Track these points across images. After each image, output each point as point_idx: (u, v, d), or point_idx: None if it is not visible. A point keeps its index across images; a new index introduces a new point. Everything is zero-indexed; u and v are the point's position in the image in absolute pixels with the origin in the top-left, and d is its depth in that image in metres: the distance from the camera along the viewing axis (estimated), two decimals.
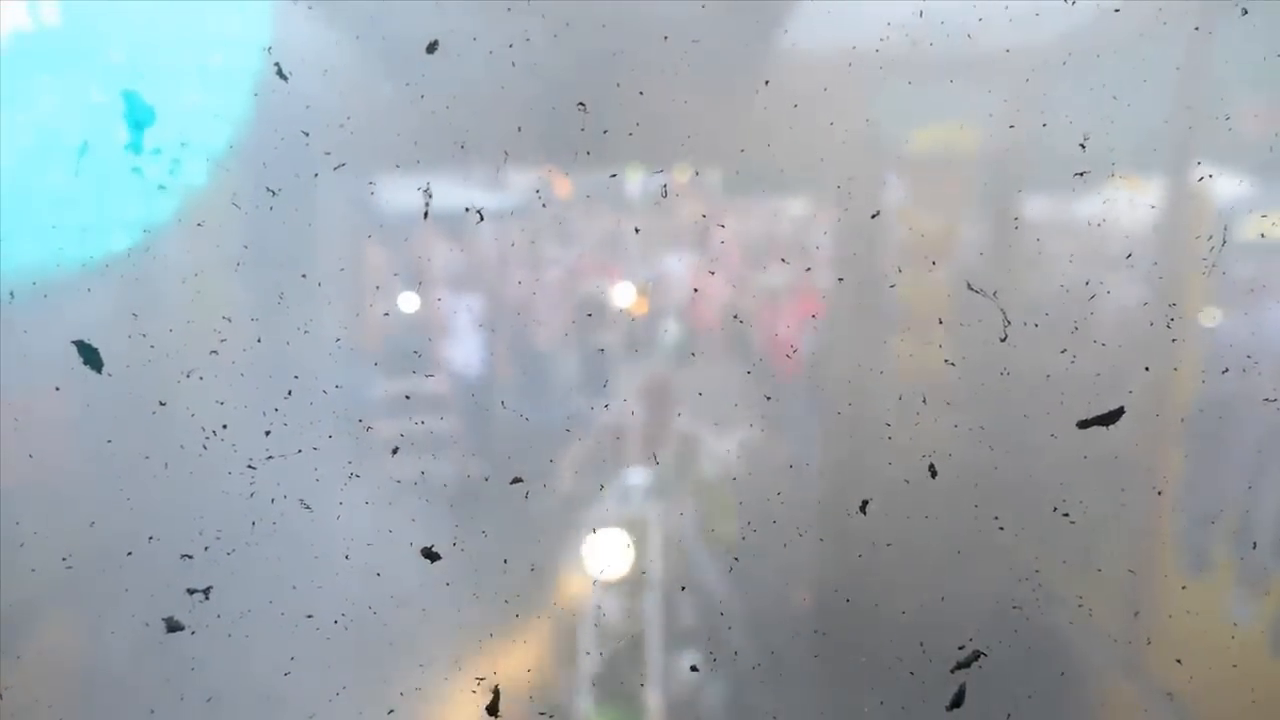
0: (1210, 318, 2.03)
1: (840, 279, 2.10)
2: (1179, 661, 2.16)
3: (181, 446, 2.02)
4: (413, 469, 2.04)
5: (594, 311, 2.23)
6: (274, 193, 1.96)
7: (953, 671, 2.16)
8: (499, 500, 2.04)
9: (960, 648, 2.15)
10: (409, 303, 2.03)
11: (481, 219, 2.04)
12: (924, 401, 2.03)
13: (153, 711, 2.16)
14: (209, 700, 2.16)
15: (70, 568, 2.09)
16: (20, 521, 2.04)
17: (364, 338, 2.00)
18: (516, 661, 2.13)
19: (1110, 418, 2.07)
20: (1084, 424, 2.06)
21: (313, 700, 2.13)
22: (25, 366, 1.98)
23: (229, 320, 1.99)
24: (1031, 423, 2.02)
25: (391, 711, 2.17)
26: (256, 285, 1.98)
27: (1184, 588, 2.13)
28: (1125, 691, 2.15)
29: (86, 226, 1.96)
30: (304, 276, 1.97)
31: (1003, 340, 2.00)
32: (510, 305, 2.16)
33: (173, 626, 2.20)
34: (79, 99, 1.94)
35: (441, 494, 2.04)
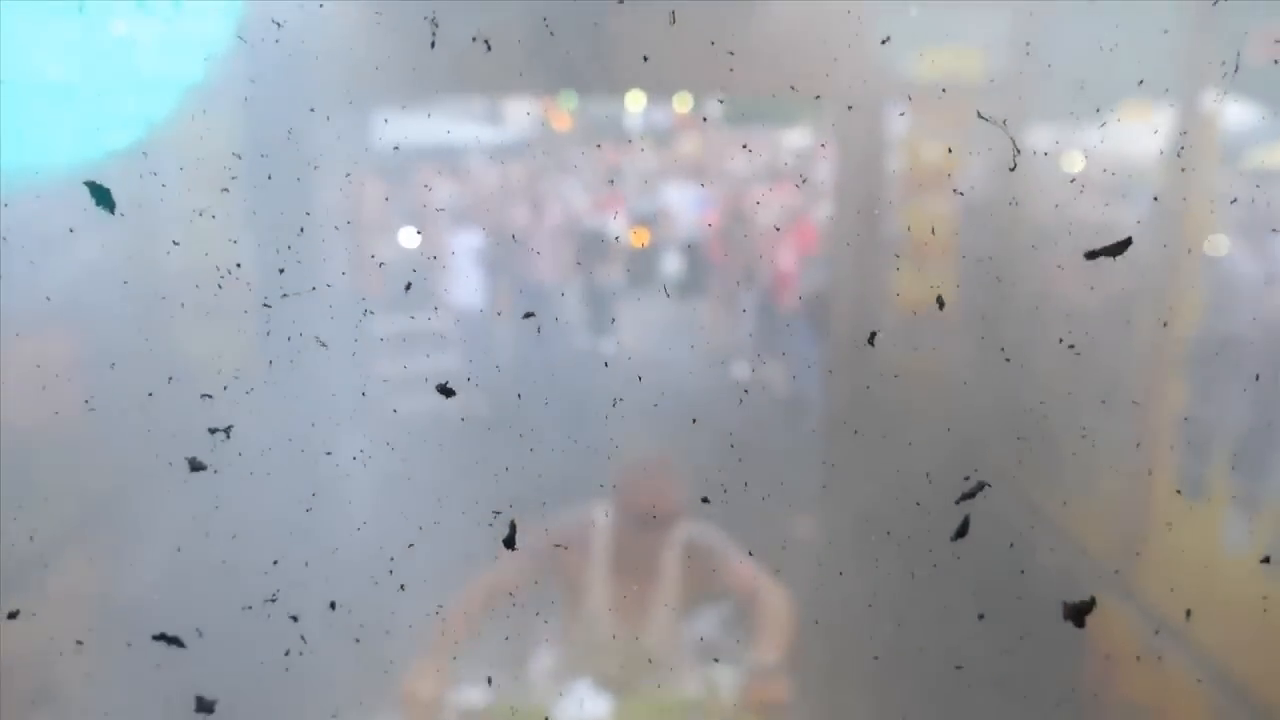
0: (1221, 146, 2.02)
1: (850, 107, 2.09)
2: (1178, 491, 2.21)
3: (197, 286, 2.04)
4: (426, 305, 2.06)
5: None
6: (279, 24, 1.94)
7: (958, 503, 2.21)
8: (513, 334, 2.06)
9: (966, 479, 2.20)
10: (420, 136, 2.03)
11: (489, 47, 2.02)
12: (932, 232, 2.04)
13: (179, 549, 2.22)
14: (234, 537, 2.22)
15: (93, 410, 2.13)
16: (41, 364, 2.08)
17: (375, 173, 2.01)
18: (532, 495, 2.19)
19: (1118, 248, 2.07)
20: (1091, 255, 2.07)
21: (334, 535, 2.19)
22: (39, 207, 1.99)
23: (239, 157, 1.99)
24: (1039, 254, 2.03)
25: (411, 545, 2.23)
26: (265, 121, 1.98)
27: (1186, 419, 2.17)
28: (1125, 517, 2.21)
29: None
30: (312, 110, 1.97)
31: (1011, 170, 1.99)
32: (515, 137, 2.15)
33: (195, 466, 2.24)
34: None
35: (455, 329, 2.07)
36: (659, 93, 1.96)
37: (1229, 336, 2.21)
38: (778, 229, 2.49)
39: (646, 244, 3.99)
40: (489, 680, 2.11)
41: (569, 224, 2.72)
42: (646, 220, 3.48)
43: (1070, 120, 1.98)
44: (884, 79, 2.01)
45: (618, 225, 2.63)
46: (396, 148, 2.00)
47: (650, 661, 2.13)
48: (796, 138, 2.35)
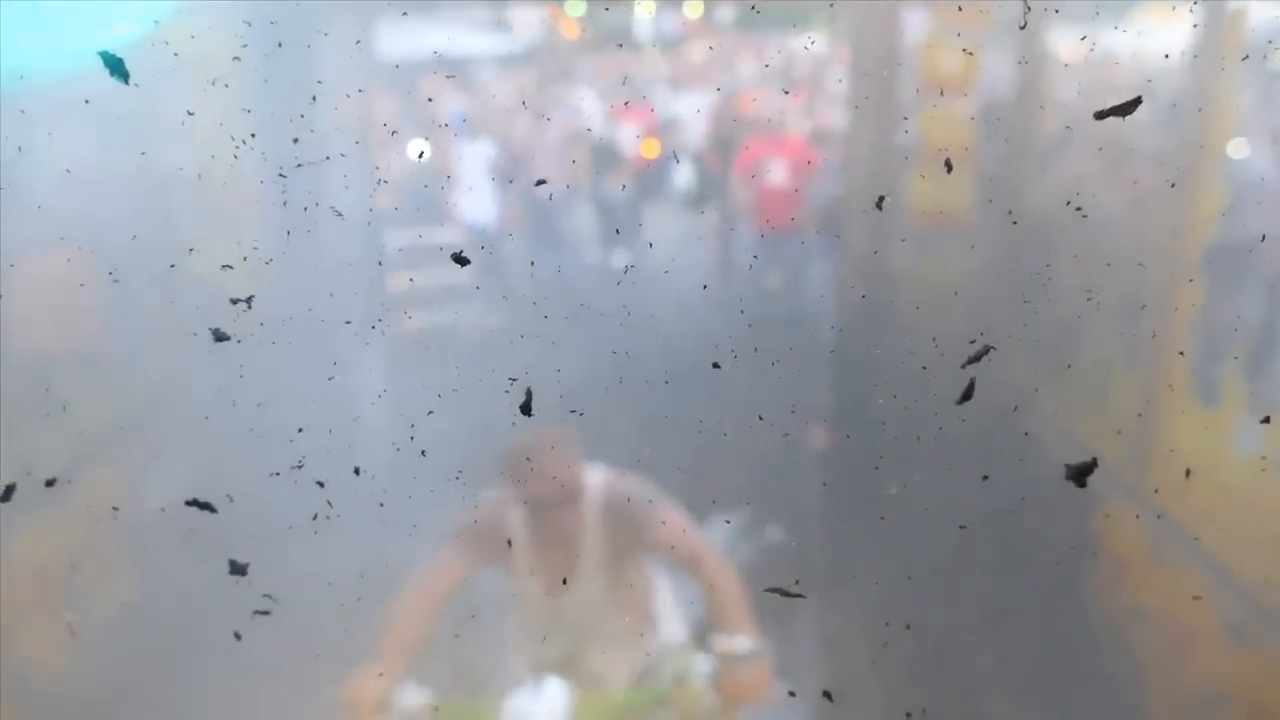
0: (1245, 48, 1.99)
1: None
2: (1181, 353, 2.24)
3: (213, 156, 2.06)
4: (439, 174, 2.09)
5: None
6: None
7: (963, 366, 2.25)
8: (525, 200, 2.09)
9: (971, 342, 2.23)
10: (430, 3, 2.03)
11: None
12: (940, 94, 2.04)
13: (207, 418, 2.29)
14: (259, 406, 2.29)
15: (116, 281, 2.17)
16: (65, 237, 2.12)
17: (386, 42, 2.01)
18: (547, 362, 2.24)
19: (1127, 108, 2.07)
20: (1100, 115, 2.07)
21: (356, 403, 2.25)
22: (55, 79, 2.01)
23: (249, 24, 1.99)
24: (1048, 113, 2.03)
25: (431, 412, 2.29)
26: None
27: (1191, 280, 2.19)
28: (1128, 380, 2.25)
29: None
30: None
31: (1022, 28, 1.98)
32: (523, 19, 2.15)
33: (219, 336, 2.29)
34: None
35: (470, 198, 2.09)
36: None
37: (1237, 189, 2.20)
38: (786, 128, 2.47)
39: (656, 155, 3.96)
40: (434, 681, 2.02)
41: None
42: (657, 131, 3.46)
43: (1092, 18, 1.96)
44: None
45: (628, 135, 2.61)
46: (405, 13, 2.01)
47: (590, 638, 2.02)
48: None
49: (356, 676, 1.80)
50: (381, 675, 1.82)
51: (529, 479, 1.90)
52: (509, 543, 2.01)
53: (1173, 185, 2.18)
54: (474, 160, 2.40)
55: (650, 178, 3.07)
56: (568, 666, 2.02)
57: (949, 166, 2.05)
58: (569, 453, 1.95)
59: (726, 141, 3.33)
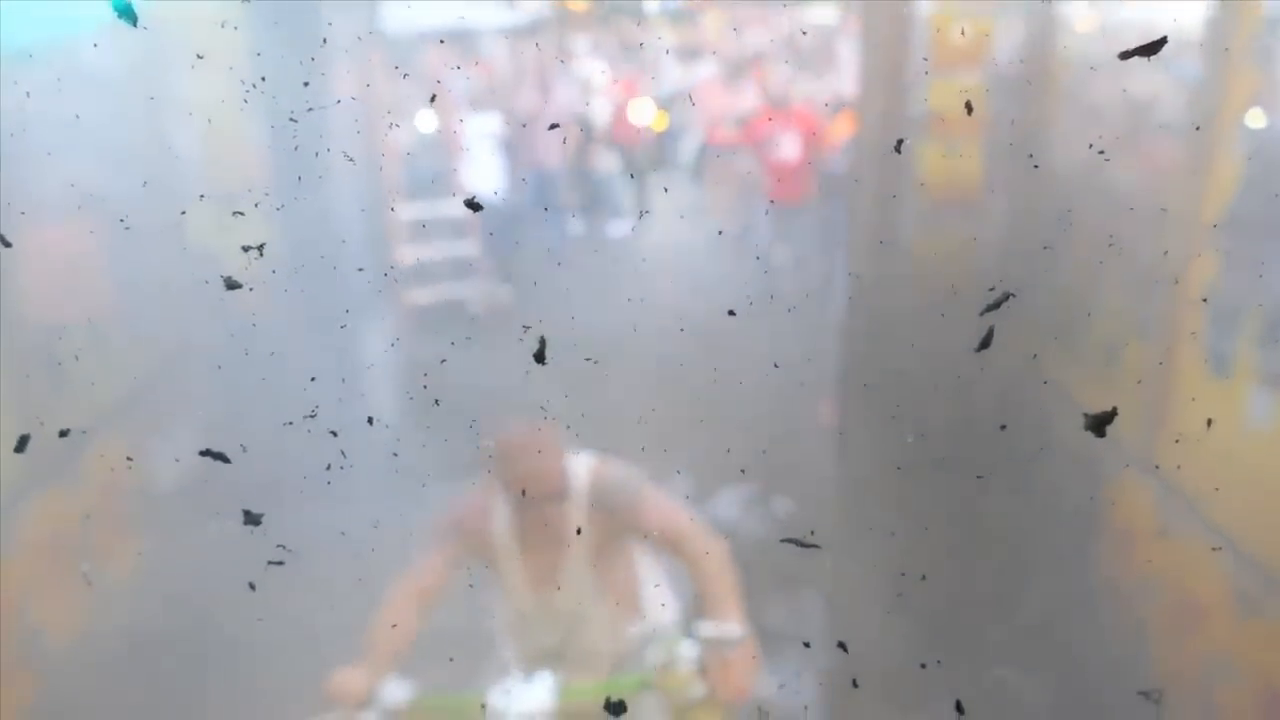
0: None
1: None
2: (1204, 300, 2.21)
3: (223, 100, 2.04)
4: (450, 118, 2.06)
5: None
6: None
7: (982, 314, 2.22)
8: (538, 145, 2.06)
9: (990, 289, 2.21)
10: None
11: None
12: (962, 33, 2.00)
13: (220, 367, 2.28)
14: (272, 355, 2.28)
15: (128, 229, 2.16)
16: (75, 183, 2.10)
17: None
18: (561, 310, 2.22)
19: (1153, 48, 2.03)
20: (1125, 55, 2.03)
21: (368, 351, 2.24)
22: (62, 21, 1.98)
23: None
24: (1071, 54, 1.99)
25: (443, 360, 2.28)
26: None
27: (1215, 225, 2.15)
28: (1150, 328, 2.22)
29: None
30: None
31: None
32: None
33: (231, 284, 2.28)
34: None
35: (485, 141, 2.07)
36: None
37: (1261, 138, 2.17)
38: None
39: (666, 128, 3.91)
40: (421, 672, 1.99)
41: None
42: (665, 104, 3.41)
43: None
44: None
45: (637, 108, 2.56)
46: None
47: (578, 627, 1.99)
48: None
49: (340, 673, 1.78)
50: (366, 673, 1.80)
51: (515, 475, 1.87)
52: (493, 540, 1.98)
53: (1189, 154, 2.15)
54: (487, 119, 2.38)
55: (658, 148, 3.05)
56: (554, 656, 2.00)
57: (969, 108, 2.01)
58: (554, 448, 1.90)
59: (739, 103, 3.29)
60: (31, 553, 2.38)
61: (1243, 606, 2.28)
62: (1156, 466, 2.35)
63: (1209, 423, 2.27)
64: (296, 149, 2.06)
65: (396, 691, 1.77)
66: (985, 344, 2.38)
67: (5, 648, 2.29)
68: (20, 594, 2.37)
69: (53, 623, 2.50)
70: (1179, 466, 2.28)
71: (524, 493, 1.87)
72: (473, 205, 2.19)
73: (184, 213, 2.12)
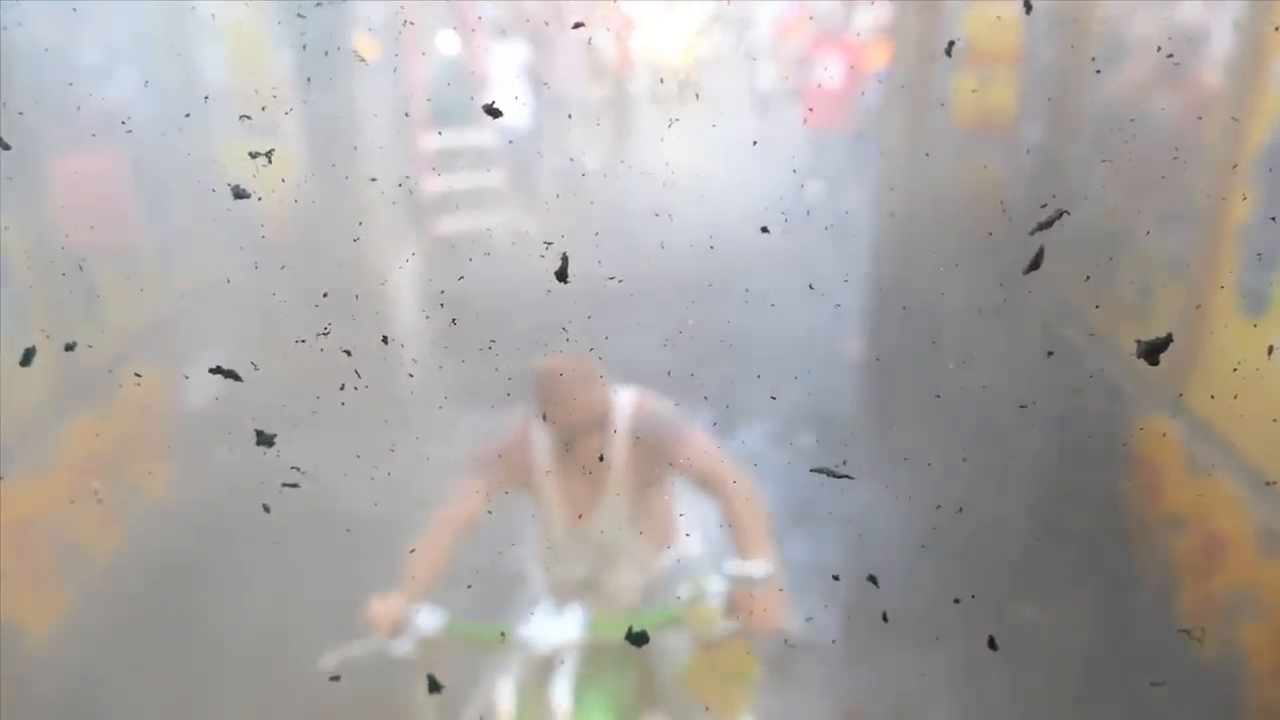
0: None
1: None
2: (1274, 219, 2.07)
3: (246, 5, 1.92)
4: (470, 16, 1.93)
5: None
6: None
7: (1033, 233, 2.09)
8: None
9: (1043, 206, 2.07)
10: None
11: None
12: None
13: (229, 281, 2.19)
14: (282, 268, 2.18)
15: (130, 131, 2.05)
16: (74, 83, 1.99)
17: None
18: (584, 229, 2.11)
19: None
20: None
21: (382, 266, 2.14)
22: None
23: None
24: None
25: (461, 277, 2.17)
26: None
27: (1253, 163, 2.00)
28: (1207, 244, 2.08)
29: None
30: None
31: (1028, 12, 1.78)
32: None
33: (239, 194, 2.17)
34: None
35: (505, 44, 1.94)
36: None
37: None
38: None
39: (695, 59, 3.78)
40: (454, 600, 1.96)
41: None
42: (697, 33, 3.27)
43: None
44: None
45: (668, 38, 2.41)
46: None
47: (611, 560, 1.97)
48: None
49: (376, 601, 1.76)
50: (401, 600, 1.78)
51: (556, 405, 1.81)
52: (533, 470, 1.94)
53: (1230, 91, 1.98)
54: (509, 20, 2.25)
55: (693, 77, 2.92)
56: (585, 587, 1.98)
57: (1028, 6, 1.85)
58: (596, 379, 1.84)
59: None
60: (65, 474, 2.33)
61: (1272, 544, 2.20)
62: (1180, 395, 2.24)
63: (1241, 363, 2.15)
64: (305, 48, 1.94)
65: (430, 619, 1.74)
66: (1035, 265, 2.23)
67: (41, 566, 2.25)
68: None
69: (86, 552, 2.46)
70: (1213, 397, 2.17)
71: (566, 423, 1.83)
72: (492, 111, 2.06)
73: (188, 115, 2.02)
